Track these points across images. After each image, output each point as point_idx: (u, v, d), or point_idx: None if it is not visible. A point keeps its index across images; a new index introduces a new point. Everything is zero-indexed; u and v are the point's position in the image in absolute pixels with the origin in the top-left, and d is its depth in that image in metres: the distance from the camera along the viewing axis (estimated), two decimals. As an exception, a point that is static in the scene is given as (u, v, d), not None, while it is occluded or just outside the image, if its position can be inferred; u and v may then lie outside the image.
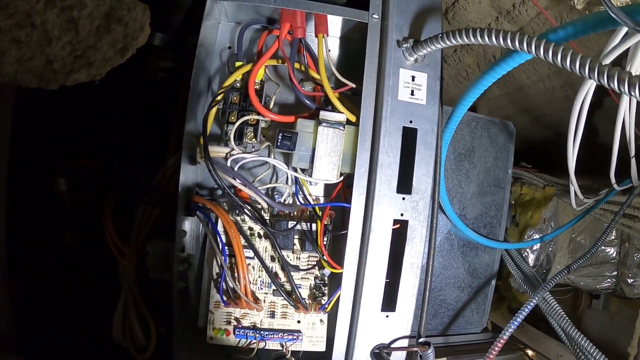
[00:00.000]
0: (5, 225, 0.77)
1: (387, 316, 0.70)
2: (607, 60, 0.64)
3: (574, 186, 0.95)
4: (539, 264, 1.21)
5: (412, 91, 0.69)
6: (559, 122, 1.45)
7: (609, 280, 1.21)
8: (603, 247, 1.21)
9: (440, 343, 1.03)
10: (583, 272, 1.21)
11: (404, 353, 0.72)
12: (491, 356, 0.86)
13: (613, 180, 0.95)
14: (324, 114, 0.68)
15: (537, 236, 1.19)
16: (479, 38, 0.57)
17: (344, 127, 0.68)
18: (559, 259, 1.23)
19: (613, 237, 1.20)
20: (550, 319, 0.96)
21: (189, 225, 0.76)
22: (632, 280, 1.16)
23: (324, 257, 0.71)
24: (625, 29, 0.61)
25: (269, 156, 0.74)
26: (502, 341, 0.89)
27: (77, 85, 0.67)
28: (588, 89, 0.75)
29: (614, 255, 1.20)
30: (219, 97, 0.71)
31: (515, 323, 0.88)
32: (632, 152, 0.89)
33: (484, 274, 1.04)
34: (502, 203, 1.04)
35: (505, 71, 0.63)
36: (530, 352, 1.24)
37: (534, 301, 0.91)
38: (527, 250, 1.19)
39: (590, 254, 0.99)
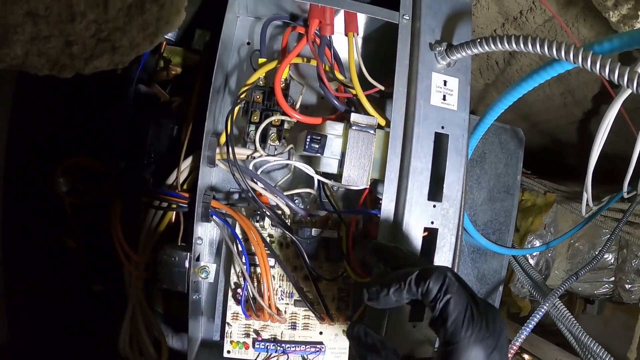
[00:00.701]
0: (0, 228, 0.70)
1: (414, 326, 0.68)
2: None
3: (587, 194, 0.96)
4: (539, 269, 1.22)
5: (444, 96, 0.67)
6: (556, 130, 1.47)
7: (606, 285, 1.23)
8: (600, 253, 1.23)
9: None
10: (581, 278, 1.23)
11: (430, 364, 0.70)
12: (506, 364, 0.85)
13: (625, 188, 0.96)
14: (355, 117, 0.65)
15: (537, 242, 1.20)
16: (522, 45, 0.56)
17: (375, 131, 0.65)
18: (558, 265, 1.24)
19: (610, 245, 1.22)
20: (560, 324, 0.96)
21: (203, 231, 0.72)
22: (629, 286, 1.18)
23: (352, 265, 0.68)
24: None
25: (289, 159, 0.71)
26: (515, 348, 0.88)
27: (83, 76, 0.61)
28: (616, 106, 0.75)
29: (612, 261, 1.22)
30: (242, 95, 0.67)
31: (528, 329, 0.88)
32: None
33: (492, 280, 1.03)
34: (511, 209, 1.04)
35: (543, 79, 0.62)
36: (527, 357, 1.25)
37: (545, 307, 0.91)
38: (527, 255, 1.20)
39: (596, 261, 1.00)
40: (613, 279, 1.22)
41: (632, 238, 1.11)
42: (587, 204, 1.01)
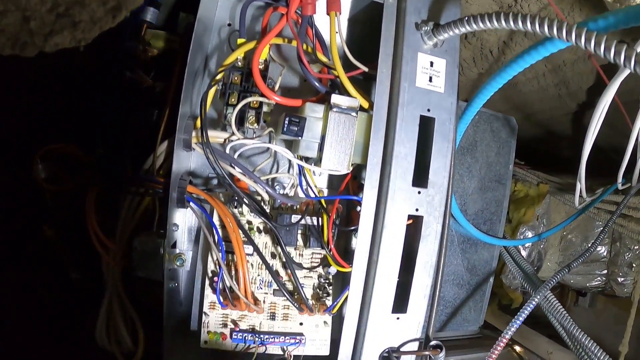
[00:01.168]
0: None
1: (397, 318, 0.65)
2: None
3: (581, 185, 0.93)
4: (531, 260, 1.20)
5: (431, 78, 0.65)
6: (550, 121, 1.44)
7: (598, 278, 1.22)
8: (593, 246, 1.21)
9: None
10: (573, 270, 1.21)
11: (414, 357, 0.67)
12: (494, 355, 0.83)
13: (620, 179, 0.93)
14: (336, 98, 0.62)
15: (529, 233, 1.18)
16: (512, 23, 0.54)
17: (357, 113, 0.63)
18: (550, 256, 1.22)
19: (605, 236, 1.19)
20: (551, 317, 0.94)
21: (180, 217, 0.69)
22: (622, 279, 1.16)
23: (332, 254, 0.66)
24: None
25: (270, 143, 0.68)
26: (505, 339, 0.86)
27: (59, 60, 0.59)
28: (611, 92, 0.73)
29: (605, 254, 1.20)
30: (218, 76, 0.64)
31: (519, 321, 0.86)
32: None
33: (482, 271, 1.01)
34: (503, 199, 1.02)
35: (534, 59, 0.60)
36: (518, 348, 1.23)
37: (537, 299, 0.89)
38: (519, 247, 1.18)
39: (589, 253, 0.98)
40: (606, 271, 1.20)
41: (626, 231, 1.09)
42: (581, 195, 0.99)
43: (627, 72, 0.71)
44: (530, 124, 1.49)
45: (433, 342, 0.67)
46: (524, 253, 1.18)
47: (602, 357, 0.83)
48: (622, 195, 1.02)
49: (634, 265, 1.17)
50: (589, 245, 1.04)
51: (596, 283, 1.23)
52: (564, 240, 1.22)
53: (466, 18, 0.59)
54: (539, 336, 1.19)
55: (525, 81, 1.32)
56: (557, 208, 1.20)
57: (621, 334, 1.11)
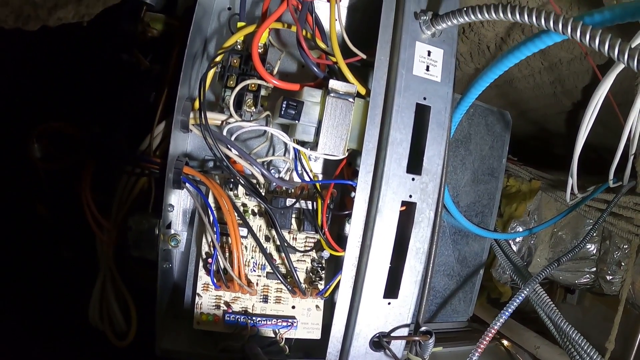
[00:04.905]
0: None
1: (389, 303, 0.66)
2: None
3: (572, 181, 0.94)
4: (521, 255, 1.21)
5: (428, 67, 0.65)
6: (544, 118, 1.46)
7: (587, 276, 1.23)
8: (583, 243, 1.23)
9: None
10: (562, 267, 1.22)
11: (403, 342, 0.68)
12: (482, 346, 0.84)
13: (611, 176, 0.95)
14: (333, 83, 0.62)
15: (520, 228, 1.19)
16: (509, 15, 0.54)
17: (354, 99, 0.63)
18: (540, 252, 1.23)
19: (594, 234, 1.21)
20: (539, 310, 0.95)
21: (176, 199, 0.70)
22: (610, 277, 1.17)
23: (326, 237, 0.67)
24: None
25: (267, 126, 0.68)
26: (493, 331, 0.87)
27: (58, 35, 0.59)
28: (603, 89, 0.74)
29: (594, 251, 1.21)
30: (218, 58, 0.64)
31: (507, 314, 0.87)
32: (634, 150, 0.89)
33: (473, 262, 1.03)
34: (495, 192, 1.03)
35: (530, 52, 0.60)
36: (505, 342, 1.24)
37: (526, 292, 0.90)
38: (510, 241, 1.19)
39: (578, 249, 0.99)
40: (594, 269, 1.22)
41: (616, 229, 1.10)
42: (572, 191, 1.00)
43: (620, 67, 0.72)
44: (525, 121, 1.50)
45: (423, 328, 0.68)
46: (514, 248, 1.19)
47: (588, 350, 0.84)
48: (614, 194, 1.03)
49: (623, 263, 1.19)
50: (579, 241, 1.05)
51: (585, 280, 1.24)
52: (555, 237, 1.24)
53: (464, 9, 0.60)
54: (526, 331, 1.21)
55: (521, 78, 1.33)
56: (549, 204, 1.21)
57: (608, 331, 1.13)
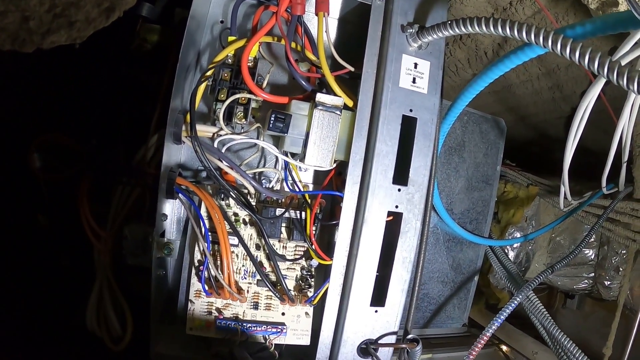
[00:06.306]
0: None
1: (375, 311, 0.68)
2: (623, 62, 0.63)
3: (565, 187, 0.95)
4: (519, 261, 1.22)
5: (414, 79, 0.67)
6: (543, 124, 1.45)
7: (585, 281, 1.23)
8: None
9: (418, 335, 1.03)
10: (561, 272, 1.23)
11: (391, 349, 0.69)
12: (474, 352, 0.85)
13: (604, 183, 0.95)
14: (320, 97, 0.64)
15: (518, 234, 1.19)
16: (492, 28, 0.55)
17: (341, 112, 0.65)
18: (538, 258, 1.24)
19: (592, 240, 1.21)
20: (533, 317, 0.96)
21: (170, 208, 0.71)
22: (609, 282, 1.17)
23: (313, 247, 0.68)
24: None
25: (258, 139, 0.70)
26: (485, 338, 0.88)
27: (56, 54, 0.61)
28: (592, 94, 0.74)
29: (593, 257, 1.21)
30: (209, 72, 0.66)
31: (500, 320, 0.87)
32: (626, 157, 0.89)
33: (467, 269, 1.03)
34: (489, 199, 1.03)
35: (514, 64, 0.61)
36: (505, 348, 1.25)
37: (519, 299, 0.90)
38: (508, 247, 1.19)
39: (573, 255, 1.00)
40: (593, 274, 1.22)
41: (613, 235, 1.10)
42: (566, 198, 1.00)
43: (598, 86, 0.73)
44: (523, 126, 1.50)
45: (410, 336, 0.70)
46: (512, 254, 1.19)
47: (580, 357, 0.84)
48: (612, 200, 1.03)
49: (621, 269, 1.19)
50: (574, 248, 1.05)
51: (583, 285, 1.24)
52: (553, 243, 1.24)
53: (449, 22, 0.61)
54: (525, 336, 1.21)
55: (519, 84, 1.33)
56: (546, 210, 1.22)
57: (607, 336, 1.13)
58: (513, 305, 0.89)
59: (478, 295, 1.29)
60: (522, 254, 1.21)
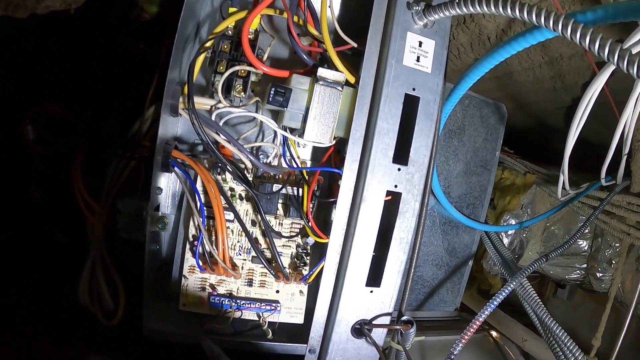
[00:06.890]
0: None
1: (371, 292, 0.67)
2: (634, 50, 0.62)
3: (564, 177, 0.94)
4: (512, 248, 1.22)
5: (418, 57, 0.65)
6: (543, 113, 1.44)
7: (578, 272, 1.23)
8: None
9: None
10: (553, 261, 1.23)
11: (385, 330, 0.69)
12: (466, 337, 0.85)
13: (603, 175, 0.94)
14: (322, 72, 0.62)
15: (513, 221, 1.19)
16: (501, 9, 0.53)
17: (342, 88, 0.63)
18: (532, 246, 1.24)
19: (587, 231, 1.21)
20: (525, 304, 0.96)
21: (165, 182, 0.70)
22: (600, 274, 1.18)
23: (310, 224, 0.67)
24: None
25: (256, 113, 0.69)
26: (477, 323, 0.88)
27: (52, 21, 0.59)
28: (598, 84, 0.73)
29: (586, 248, 1.21)
30: (208, 44, 0.64)
31: (492, 306, 0.88)
32: (627, 150, 0.89)
33: (462, 253, 1.03)
34: (487, 185, 1.03)
35: (522, 47, 0.60)
36: (494, 334, 1.26)
37: (512, 285, 0.90)
38: (502, 234, 1.19)
39: (568, 245, 1.00)
40: (585, 265, 1.22)
41: (608, 227, 1.10)
42: (564, 187, 1.00)
43: (612, 67, 0.72)
44: (523, 114, 1.49)
45: (404, 317, 0.69)
46: (506, 241, 1.19)
47: (571, 347, 0.85)
48: (608, 192, 1.03)
49: (614, 262, 1.19)
50: (569, 237, 1.05)
51: (575, 276, 1.24)
52: (547, 232, 1.24)
53: (457, 1, 0.59)
54: (515, 323, 1.22)
55: (521, 71, 1.32)
56: (542, 199, 1.21)
57: (596, 327, 1.14)
58: (506, 291, 0.89)
59: (471, 280, 1.29)
60: (516, 241, 1.21)
